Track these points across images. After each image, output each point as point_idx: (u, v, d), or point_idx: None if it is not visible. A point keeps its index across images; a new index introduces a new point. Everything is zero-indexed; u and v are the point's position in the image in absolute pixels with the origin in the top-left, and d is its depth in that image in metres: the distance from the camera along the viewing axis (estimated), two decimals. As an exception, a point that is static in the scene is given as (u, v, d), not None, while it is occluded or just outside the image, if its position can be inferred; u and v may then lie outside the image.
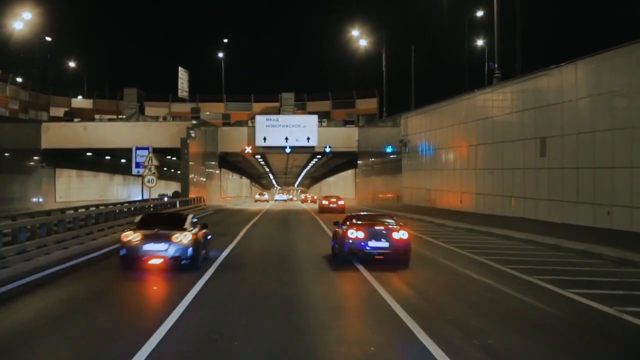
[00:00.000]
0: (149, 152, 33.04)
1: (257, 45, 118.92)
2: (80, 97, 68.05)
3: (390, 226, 17.45)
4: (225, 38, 76.93)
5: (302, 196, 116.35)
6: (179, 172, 55.13)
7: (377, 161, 55.24)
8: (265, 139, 61.15)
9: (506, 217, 28.26)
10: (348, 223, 17.78)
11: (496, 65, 31.69)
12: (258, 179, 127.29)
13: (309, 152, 63.91)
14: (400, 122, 48.70)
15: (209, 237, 18.40)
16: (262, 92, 73.90)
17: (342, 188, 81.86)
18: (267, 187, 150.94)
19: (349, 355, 8.85)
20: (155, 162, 31.75)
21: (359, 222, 17.78)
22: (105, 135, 54.22)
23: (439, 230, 30.26)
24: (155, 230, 15.46)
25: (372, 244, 16.93)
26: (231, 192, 78.44)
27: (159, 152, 57.17)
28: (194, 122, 52.56)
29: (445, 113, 37.65)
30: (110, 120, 59.22)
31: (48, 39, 65.16)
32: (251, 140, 61.36)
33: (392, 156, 50.60)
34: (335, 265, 17.34)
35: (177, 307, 11.30)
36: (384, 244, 16.86)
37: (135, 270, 15.31)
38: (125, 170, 79.01)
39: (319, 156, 67.48)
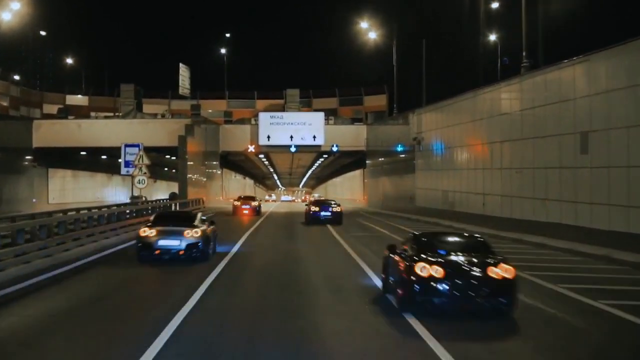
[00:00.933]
0: (139, 150, 30.05)
1: (261, 40, 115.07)
2: (80, 95, 65.17)
3: (486, 259, 10.97)
4: (227, 33, 74.04)
5: (306, 197, 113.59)
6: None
7: (387, 161, 52.17)
8: (269, 137, 58.17)
9: (539, 223, 25.17)
10: (415, 250, 11.44)
11: (524, 54, 28.59)
12: (262, 180, 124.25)
13: (315, 151, 60.90)
14: (411, 119, 45.74)
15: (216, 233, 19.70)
16: (265, 89, 71.10)
17: (348, 189, 78.77)
18: (271, 187, 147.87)
19: None
20: (146, 161, 28.82)
21: (433, 251, 11.25)
22: (100, 133, 51.30)
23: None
24: (169, 226, 17.50)
25: (459, 286, 10.39)
26: (234, 193, 75.41)
27: (158, 151, 54.26)
28: (193, 119, 49.56)
29: (463, 108, 34.57)
30: (106, 117, 56.29)
31: (42, 33, 62.36)
32: (254, 138, 58.36)
33: (402, 155, 47.53)
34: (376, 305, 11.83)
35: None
36: (476, 287, 10.43)
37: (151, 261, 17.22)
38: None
39: (326, 156, 64.49)
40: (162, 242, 17.00)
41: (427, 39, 48.01)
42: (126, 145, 31.97)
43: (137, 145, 31.29)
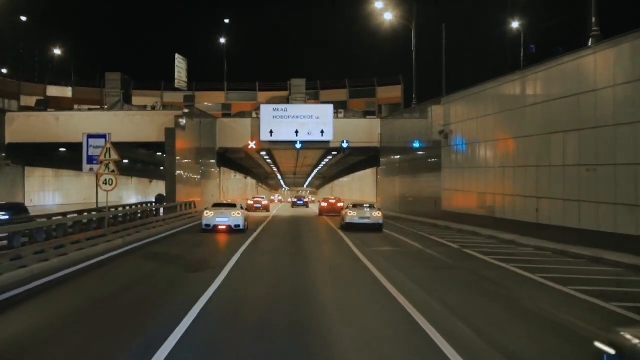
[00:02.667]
0: (105, 142, 24.04)
1: (263, 27, 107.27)
2: (63, 86, 59.09)
3: None
4: (226, 19, 68.01)
5: (311, 198, 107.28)
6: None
7: (404, 158, 46.09)
8: (271, 132, 52.17)
9: (622, 236, 19.12)
10: None
11: (594, 20, 22.48)
12: (265, 180, 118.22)
13: (323, 148, 54.84)
14: (431, 111, 39.90)
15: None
16: (268, 80, 65.29)
17: (358, 190, 72.67)
18: (275, 187, 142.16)
19: None
20: (115, 156, 22.85)
21: None
22: (80, 127, 45.11)
23: (517, 251, 21.11)
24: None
25: None
26: (234, 193, 69.45)
27: (147, 148, 48.26)
28: (185, 110, 43.53)
29: (508, 93, 28.50)
30: (90, 110, 50.40)
31: (23, 18, 56.45)
32: (255, 134, 52.38)
33: (423, 152, 41.51)
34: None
35: None
36: None
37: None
38: (119, 169, 70.46)
39: (335, 153, 58.44)
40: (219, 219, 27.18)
41: (447, 24, 42.08)
42: (89, 137, 25.84)
43: (103, 137, 25.24)
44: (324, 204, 46.47)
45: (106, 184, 22.55)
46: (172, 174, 36.57)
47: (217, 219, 26.87)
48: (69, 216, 22.04)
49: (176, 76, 68.92)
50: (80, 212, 25.40)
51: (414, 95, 46.18)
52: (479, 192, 31.14)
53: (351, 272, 16.15)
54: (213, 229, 26.82)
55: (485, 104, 30.81)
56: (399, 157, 47.91)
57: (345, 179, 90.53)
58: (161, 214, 33.20)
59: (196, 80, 64.20)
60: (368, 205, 33.75)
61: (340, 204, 41.91)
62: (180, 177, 39.27)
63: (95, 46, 77.84)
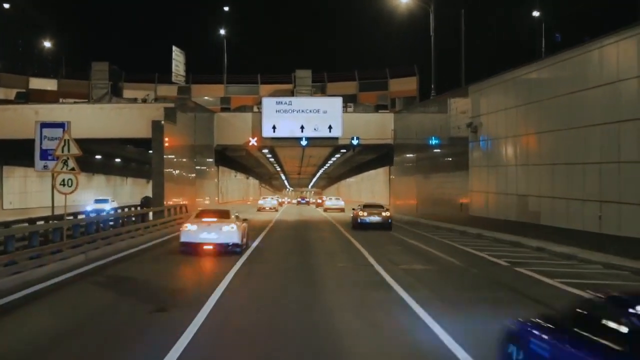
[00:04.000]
0: (63, 132, 19.38)
1: (266, 15, 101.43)
2: (48, 78, 54.25)
3: None
4: (225, 6, 63.35)
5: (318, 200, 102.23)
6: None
7: (422, 155, 41.32)
8: (274, 127, 47.46)
9: None
10: None
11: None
12: (268, 180, 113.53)
13: (331, 145, 50.14)
14: (450, 103, 35.49)
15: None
16: (271, 72, 60.46)
17: (367, 190, 67.92)
18: (278, 188, 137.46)
19: None
20: (75, 150, 18.27)
21: None
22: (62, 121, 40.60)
23: (584, 270, 16.37)
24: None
25: None
26: (234, 194, 64.85)
27: (136, 144, 43.69)
28: (178, 102, 38.85)
29: (557, 76, 23.72)
30: (76, 103, 45.72)
31: (5, 5, 51.90)
32: (257, 129, 47.67)
33: (441, 149, 36.91)
34: None
35: None
36: None
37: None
38: (109, 169, 65.95)
39: (343, 150, 53.70)
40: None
41: (467, 11, 37.57)
42: (42, 125, 21.07)
43: (61, 125, 20.56)
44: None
45: (64, 185, 18.03)
46: (160, 173, 31.88)
47: (202, 236, 18.88)
48: (15, 226, 17.38)
49: (173, 70, 64.23)
50: (33, 221, 20.75)
51: (432, 86, 41.49)
52: (519, 194, 26.33)
53: (387, 314, 11.23)
54: (195, 251, 18.83)
55: (527, 89, 26.01)
56: (415, 154, 43.13)
57: (352, 179, 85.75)
58: (150, 219, 28.57)
59: (194, 73, 59.54)
60: (377, 205, 34.35)
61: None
62: (170, 176, 34.58)
63: (85, 36, 72.97)
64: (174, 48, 69.50)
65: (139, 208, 44.72)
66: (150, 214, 28.90)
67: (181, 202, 34.38)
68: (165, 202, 32.30)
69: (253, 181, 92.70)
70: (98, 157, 57.59)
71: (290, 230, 33.18)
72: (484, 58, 55.87)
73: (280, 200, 72.44)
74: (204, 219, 19.48)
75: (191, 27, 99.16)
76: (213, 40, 65.98)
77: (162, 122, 32.68)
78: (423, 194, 41.00)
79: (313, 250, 22.27)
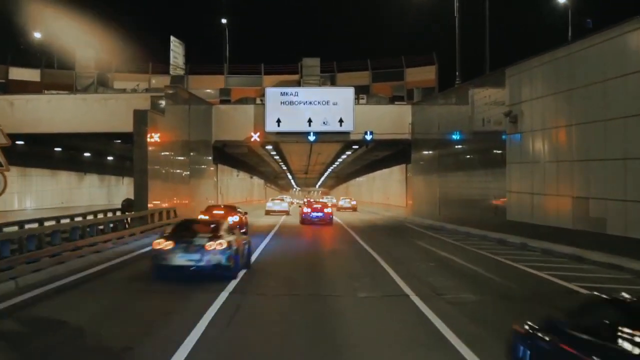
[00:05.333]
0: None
1: (270, 0, 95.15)
2: (30, 69, 49.09)
3: None
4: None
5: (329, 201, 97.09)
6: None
7: (447, 151, 36.57)
8: (279, 121, 42.76)
9: None
10: None
11: None
12: (274, 179, 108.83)
13: (342, 140, 45.39)
14: (472, 94, 31.22)
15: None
16: (276, 62, 55.91)
17: (380, 190, 63.10)
18: (285, 188, 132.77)
19: None
20: (2, 140, 13.56)
21: None
22: (40, 114, 36.14)
23: None
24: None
25: None
26: (237, 195, 60.15)
27: (124, 140, 39.12)
28: (169, 90, 34.15)
29: (627, 48, 18.92)
30: (59, 94, 41.14)
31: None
32: (259, 123, 42.99)
33: (470, 144, 32.30)
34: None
35: None
36: None
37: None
38: (103, 168, 61.43)
39: (356, 147, 48.93)
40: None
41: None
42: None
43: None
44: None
45: (-12, 186, 13.20)
46: (142, 172, 27.17)
47: (179, 258, 13.73)
48: None
49: (171, 62, 59.51)
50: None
51: (457, 72, 36.75)
52: (577, 196, 21.52)
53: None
54: (171, 276, 13.96)
55: (586, 68, 21.19)
56: (437, 150, 38.33)
57: (362, 179, 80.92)
58: (129, 227, 23.96)
59: (192, 63, 54.75)
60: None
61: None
62: (157, 174, 29.91)
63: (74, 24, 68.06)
64: (172, 38, 64.75)
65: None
66: (129, 219, 24.24)
67: (167, 205, 29.66)
68: (151, 205, 27.62)
69: (258, 181, 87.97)
70: (87, 154, 53.11)
71: (297, 236, 28.48)
72: (507, 46, 51.16)
73: (290, 200, 66.97)
74: (184, 232, 14.72)
75: (190, 14, 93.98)
76: (213, 29, 61.39)
77: (147, 111, 27.95)
78: (447, 194, 36.23)
79: (325, 269, 17.54)
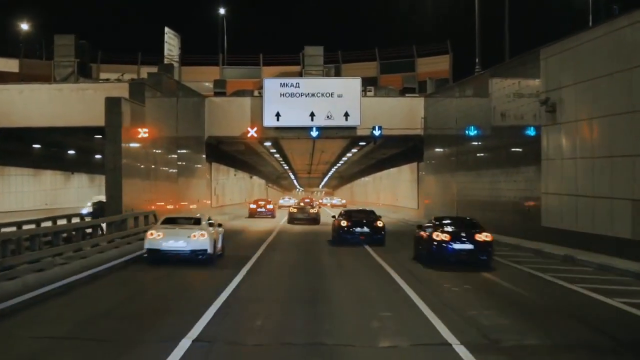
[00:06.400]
0: None
1: None
2: (8, 58, 45.08)
3: None
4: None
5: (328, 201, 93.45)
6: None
7: (465, 148, 32.58)
8: (278, 115, 38.82)
9: None
10: None
11: None
12: (276, 179, 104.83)
13: (348, 136, 41.40)
14: (492, 84, 27.59)
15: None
16: (276, 52, 52.02)
17: (388, 191, 59.07)
18: (288, 188, 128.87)
19: None
20: None
21: None
22: (10, 105, 32.22)
23: None
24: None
25: None
26: (234, 196, 56.15)
27: (103, 134, 35.13)
28: (151, 79, 30.21)
29: None
30: (35, 83, 37.13)
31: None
32: (257, 117, 39.06)
33: (493, 139, 28.51)
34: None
35: None
36: None
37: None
38: (93, 167, 57.42)
39: (362, 143, 44.97)
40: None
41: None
42: None
43: None
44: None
45: None
46: (115, 170, 23.18)
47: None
48: None
49: (166, 54, 55.64)
50: None
51: (476, 59, 32.74)
52: (639, 199, 17.51)
53: None
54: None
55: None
56: (454, 147, 34.29)
57: (367, 179, 76.86)
58: (104, 232, 20.08)
59: (185, 53, 50.79)
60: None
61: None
62: (136, 172, 25.96)
63: (62, 13, 63.61)
64: (166, 29, 60.80)
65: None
66: (103, 227, 20.27)
67: (150, 208, 25.66)
68: (126, 208, 23.65)
69: (258, 181, 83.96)
70: (72, 152, 49.17)
71: (295, 246, 24.50)
72: (525, 37, 47.16)
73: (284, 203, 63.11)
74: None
75: (187, 5, 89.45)
76: (211, 20, 57.49)
77: (121, 99, 23.95)
78: (466, 196, 32.22)
79: (331, 296, 13.53)
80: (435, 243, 17.58)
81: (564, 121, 21.76)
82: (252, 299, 12.66)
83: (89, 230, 18.69)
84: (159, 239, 17.32)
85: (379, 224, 24.73)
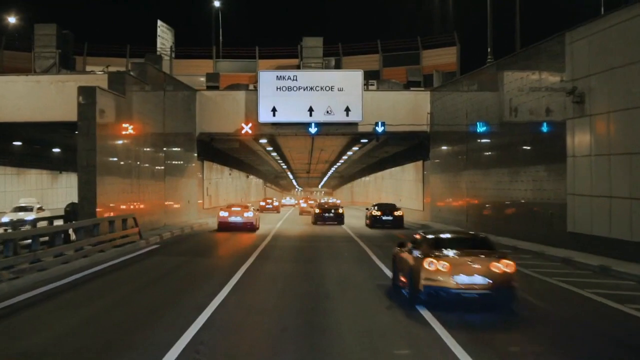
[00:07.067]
0: None
1: None
2: None
3: None
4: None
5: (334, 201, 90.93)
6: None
7: (477, 145, 30.05)
8: (274, 110, 36.33)
9: None
10: None
11: None
12: (274, 179, 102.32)
13: (349, 133, 38.88)
14: (504, 77, 25.38)
15: None
16: (273, 44, 49.44)
17: (390, 191, 56.50)
18: (287, 188, 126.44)
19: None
20: None
21: None
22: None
23: None
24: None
25: None
26: (229, 196, 53.55)
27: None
28: (135, 68, 27.67)
29: None
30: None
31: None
32: (252, 113, 36.60)
33: (501, 137, 26.09)
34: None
35: None
36: None
37: None
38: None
39: (364, 140, 42.50)
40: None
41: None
42: None
43: None
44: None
45: None
46: (90, 168, 20.63)
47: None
48: None
49: (159, 47, 53.18)
50: None
51: (489, 49, 30.24)
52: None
53: None
54: None
55: None
56: (465, 145, 31.74)
57: (368, 178, 74.28)
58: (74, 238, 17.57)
59: (178, 46, 48.26)
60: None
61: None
62: (114, 170, 23.43)
63: (51, 4, 60.76)
64: (159, 23, 58.39)
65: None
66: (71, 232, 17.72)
67: (123, 213, 23.11)
68: (103, 210, 21.09)
69: (256, 180, 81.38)
70: (58, 150, 46.68)
71: (292, 254, 22.01)
72: (536, 28, 44.58)
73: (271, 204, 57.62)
74: None
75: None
76: (206, 12, 55.04)
77: (96, 88, 21.38)
78: (477, 197, 29.70)
79: (334, 329, 10.97)
80: (426, 280, 11.07)
81: (594, 113, 19.22)
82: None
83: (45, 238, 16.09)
84: None
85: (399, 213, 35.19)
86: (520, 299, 11.66)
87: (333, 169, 77.19)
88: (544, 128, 22.63)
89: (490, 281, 10.83)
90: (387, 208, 36.34)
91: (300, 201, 67.36)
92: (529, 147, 24.25)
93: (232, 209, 31.65)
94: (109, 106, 22.71)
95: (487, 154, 28.80)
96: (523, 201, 24.52)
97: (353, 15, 75.43)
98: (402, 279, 12.44)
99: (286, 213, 52.84)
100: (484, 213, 28.79)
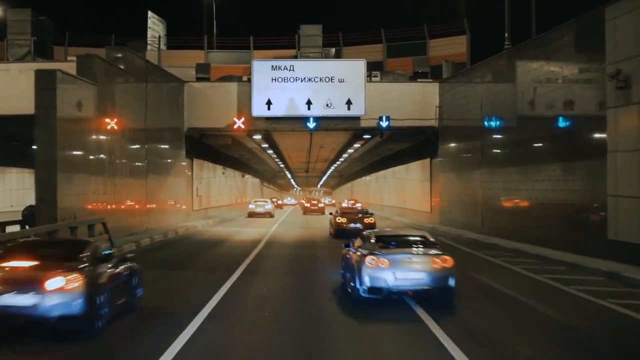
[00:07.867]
0: None
1: None
2: None
3: None
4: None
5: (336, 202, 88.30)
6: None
7: (495, 140, 27.03)
8: (269, 103, 33.35)
9: None
10: None
11: None
12: (272, 178, 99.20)
13: (351, 128, 35.86)
14: (521, 66, 22.22)
15: None
16: (268, 34, 46.47)
17: (394, 191, 53.46)
18: (285, 188, 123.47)
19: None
20: None
21: None
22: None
23: None
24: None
25: None
26: (223, 196, 50.52)
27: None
28: (109, 53, 24.71)
29: None
30: None
31: None
32: (245, 106, 33.63)
33: (522, 131, 23.27)
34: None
35: None
36: None
37: None
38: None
39: (367, 136, 39.36)
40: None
41: None
42: None
43: None
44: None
45: None
46: (49, 164, 17.64)
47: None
48: None
49: (149, 40, 50.27)
50: None
51: (506, 34, 27.30)
52: None
53: None
54: None
55: None
56: (479, 140, 28.69)
57: (368, 178, 71.23)
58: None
59: (168, 35, 45.24)
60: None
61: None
62: (81, 167, 20.45)
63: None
64: (149, 14, 55.53)
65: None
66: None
67: (93, 217, 20.12)
68: (66, 213, 18.09)
69: (252, 180, 78.29)
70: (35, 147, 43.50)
71: (287, 264, 19.00)
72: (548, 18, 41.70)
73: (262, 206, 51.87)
74: None
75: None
76: (198, 2, 52.17)
77: (56, 72, 18.38)
78: (495, 198, 26.69)
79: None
80: (368, 277, 11.26)
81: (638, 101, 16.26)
82: None
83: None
84: None
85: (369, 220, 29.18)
86: (589, 336, 8.61)
87: (332, 167, 74.19)
88: (576, 119, 19.68)
89: (430, 276, 11.30)
90: (356, 214, 29.65)
91: (302, 201, 73.85)
92: (556, 142, 21.27)
93: (257, 202, 48.93)
94: (75, 94, 19.73)
95: (506, 150, 25.79)
96: (550, 203, 21.52)
97: (354, 3, 71.96)
98: (348, 276, 12.47)
99: (283, 215, 48.69)
100: (502, 216, 25.79)
